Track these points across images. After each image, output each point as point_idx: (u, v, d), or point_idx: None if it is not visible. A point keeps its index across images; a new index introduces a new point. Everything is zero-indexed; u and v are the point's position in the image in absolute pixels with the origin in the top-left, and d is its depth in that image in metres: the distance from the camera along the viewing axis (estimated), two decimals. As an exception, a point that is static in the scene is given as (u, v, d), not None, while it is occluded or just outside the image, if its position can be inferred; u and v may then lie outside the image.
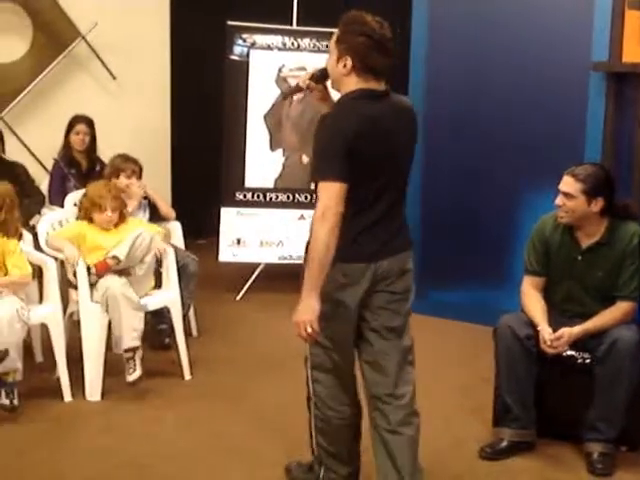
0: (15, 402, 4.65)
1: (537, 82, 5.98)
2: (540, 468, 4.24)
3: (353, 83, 3.37)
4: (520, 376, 4.30)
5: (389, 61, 3.36)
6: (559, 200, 4.30)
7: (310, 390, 3.66)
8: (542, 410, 4.38)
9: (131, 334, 4.96)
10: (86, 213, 5.34)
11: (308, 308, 3.26)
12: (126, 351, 4.95)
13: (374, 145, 3.29)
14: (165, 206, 6.27)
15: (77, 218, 5.45)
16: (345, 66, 3.35)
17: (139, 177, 6.05)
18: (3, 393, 4.63)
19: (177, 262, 5.46)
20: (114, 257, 5.08)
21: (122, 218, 5.39)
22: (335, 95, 3.56)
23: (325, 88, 3.70)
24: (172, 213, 6.26)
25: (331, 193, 3.20)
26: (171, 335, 5.43)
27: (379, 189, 3.35)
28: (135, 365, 4.94)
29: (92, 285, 5.07)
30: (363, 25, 3.34)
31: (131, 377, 4.93)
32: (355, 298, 3.40)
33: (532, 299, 4.41)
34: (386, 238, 3.40)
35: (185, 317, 5.68)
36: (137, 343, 4.99)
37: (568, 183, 4.28)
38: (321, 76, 3.66)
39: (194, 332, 6.07)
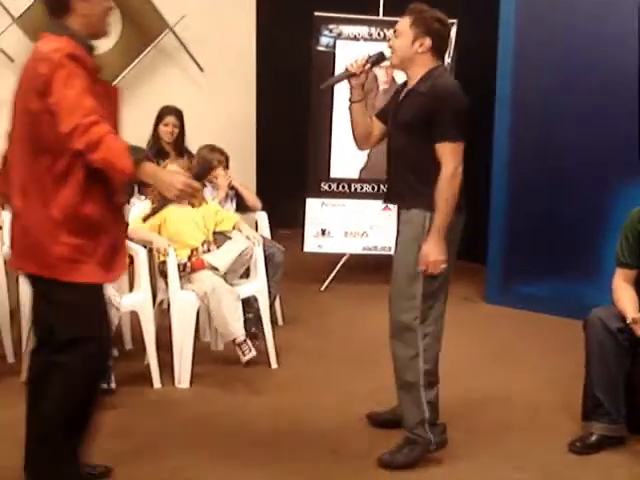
0: (112, 385, 4.73)
1: (627, 78, 5.89)
2: (630, 464, 4.17)
3: (429, 61, 3.88)
4: (611, 370, 4.23)
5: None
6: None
7: (420, 348, 3.94)
8: (632, 405, 4.31)
9: (238, 324, 5.03)
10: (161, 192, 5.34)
11: (441, 249, 3.80)
12: (238, 338, 5.01)
13: None
14: (251, 196, 6.31)
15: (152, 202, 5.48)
16: (422, 45, 3.83)
17: (226, 167, 6.11)
18: None
19: (264, 252, 5.50)
20: (214, 267, 5.15)
21: (198, 199, 5.43)
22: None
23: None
24: (258, 203, 6.31)
25: (459, 153, 3.78)
26: (257, 324, 5.47)
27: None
28: (249, 346, 5.00)
29: (181, 272, 5.15)
30: (435, 13, 3.88)
31: (247, 357, 4.99)
32: (456, 238, 3.96)
33: (624, 291, 4.34)
34: None
35: (271, 306, 5.73)
36: (244, 331, 5.06)
37: None
38: (377, 60, 4.04)
39: (280, 321, 6.11)
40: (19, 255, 3.42)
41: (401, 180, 3.96)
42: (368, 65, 4.03)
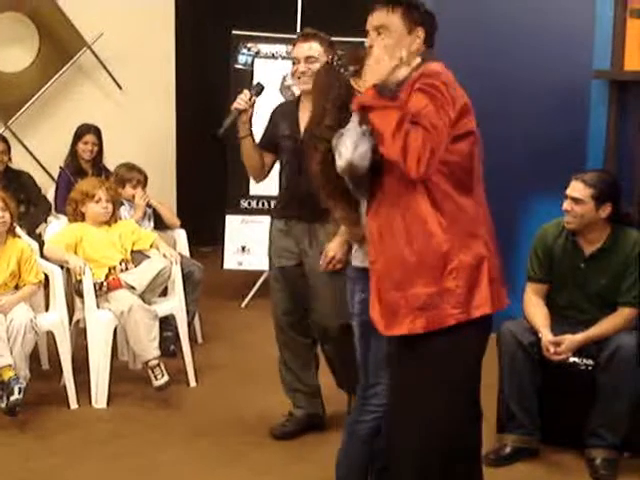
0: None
1: (539, 89, 5.98)
2: (544, 474, 4.26)
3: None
4: (523, 382, 4.32)
5: None
6: (567, 205, 4.32)
7: None
8: (546, 416, 4.39)
9: (153, 344, 4.99)
10: (76, 208, 5.34)
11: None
12: (151, 361, 4.96)
13: None
14: (169, 214, 6.30)
15: (69, 221, 5.45)
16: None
17: (144, 186, 6.08)
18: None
19: (182, 270, 5.49)
20: (131, 287, 5.12)
21: (115, 216, 5.43)
22: None
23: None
24: (176, 221, 6.31)
25: None
26: (176, 342, 5.45)
27: None
28: (162, 371, 4.94)
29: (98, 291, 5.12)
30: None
31: (159, 382, 4.92)
32: None
33: (535, 306, 4.43)
34: None
35: (190, 324, 5.73)
36: (159, 352, 5.01)
37: (578, 188, 4.30)
38: (258, 91, 4.19)
39: (199, 339, 6.10)
40: None
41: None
42: (254, 98, 4.15)
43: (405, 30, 3.04)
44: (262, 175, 4.42)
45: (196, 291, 5.84)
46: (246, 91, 4.16)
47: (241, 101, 4.13)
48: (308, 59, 4.17)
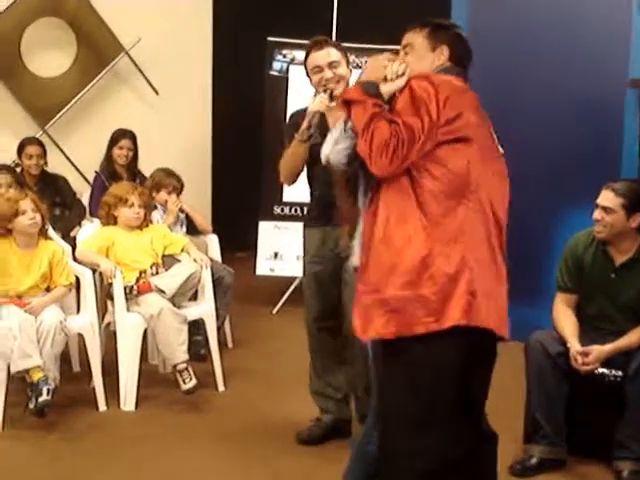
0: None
1: (574, 98, 5.95)
2: (570, 486, 4.24)
3: None
4: (551, 393, 4.28)
5: None
6: (597, 214, 4.29)
7: None
8: (573, 427, 4.35)
9: (182, 348, 5.00)
10: (109, 212, 5.39)
11: None
12: (179, 365, 4.97)
13: None
14: (201, 220, 6.32)
15: (102, 224, 5.51)
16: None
17: (179, 194, 6.11)
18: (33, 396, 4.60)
19: (213, 274, 5.51)
20: (161, 290, 5.14)
21: (147, 220, 5.47)
22: None
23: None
24: (209, 227, 6.33)
25: None
26: (206, 346, 5.46)
27: None
28: (190, 374, 4.96)
29: (128, 295, 5.15)
30: None
31: (187, 386, 4.94)
32: None
33: (564, 316, 4.40)
34: None
35: (220, 329, 5.75)
36: (187, 355, 5.03)
37: (608, 198, 4.27)
38: (331, 94, 4.02)
39: (229, 344, 6.11)
40: None
41: None
42: (332, 102, 4.00)
43: (429, 48, 3.17)
44: (295, 180, 4.40)
45: (226, 296, 5.86)
46: (324, 94, 4.05)
47: (321, 103, 4.03)
48: (331, 65, 4.13)
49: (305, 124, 4.06)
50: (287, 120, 4.34)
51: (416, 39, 3.19)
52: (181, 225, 6.11)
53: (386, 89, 3.06)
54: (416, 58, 3.15)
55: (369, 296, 2.96)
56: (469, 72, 3.22)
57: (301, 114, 4.37)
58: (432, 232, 2.89)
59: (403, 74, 3.07)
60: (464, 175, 2.93)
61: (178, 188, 6.12)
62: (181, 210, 6.11)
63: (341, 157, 3.03)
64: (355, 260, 3.23)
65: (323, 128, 3.90)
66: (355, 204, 3.18)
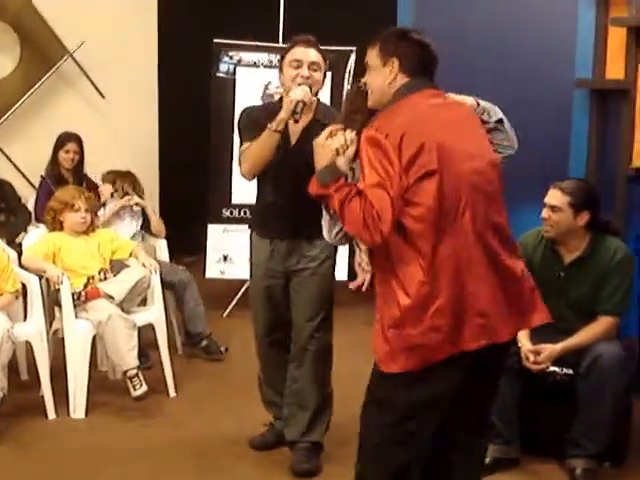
0: None
1: (521, 99, 5.97)
2: (524, 484, 4.25)
3: None
4: (503, 392, 4.26)
5: None
6: (545, 213, 4.32)
7: None
8: (526, 426, 4.37)
9: (131, 354, 4.95)
10: (55, 217, 5.32)
11: None
12: (129, 371, 4.92)
13: None
14: (157, 223, 6.28)
15: (48, 230, 5.43)
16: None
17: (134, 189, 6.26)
18: None
19: (162, 278, 5.47)
20: (109, 296, 5.08)
21: (93, 225, 5.42)
22: None
23: None
24: (163, 231, 6.28)
25: None
26: (154, 352, 5.43)
27: None
28: (140, 380, 4.91)
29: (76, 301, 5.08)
30: None
31: (137, 392, 4.89)
32: None
33: (515, 316, 4.41)
34: None
35: (209, 336, 5.99)
36: (137, 361, 4.98)
37: (555, 196, 4.29)
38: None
39: (179, 349, 6.07)
40: None
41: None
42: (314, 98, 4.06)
43: (380, 63, 3.12)
44: (258, 173, 4.18)
45: (195, 292, 5.98)
46: (306, 87, 3.95)
47: (306, 94, 3.93)
48: (312, 65, 4.03)
49: (285, 113, 3.94)
50: (241, 116, 4.25)
51: (370, 57, 3.15)
52: (137, 220, 6.12)
53: (344, 160, 3.06)
54: (372, 77, 3.14)
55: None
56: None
57: (261, 108, 4.37)
58: (428, 270, 2.90)
59: (352, 141, 3.08)
60: (439, 208, 2.91)
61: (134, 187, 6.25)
62: (136, 204, 6.11)
63: (342, 241, 3.17)
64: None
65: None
66: None
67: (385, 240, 2.88)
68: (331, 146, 3.08)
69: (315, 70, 4.06)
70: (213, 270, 7.15)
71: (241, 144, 4.17)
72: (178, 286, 5.84)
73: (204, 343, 5.96)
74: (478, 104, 3.32)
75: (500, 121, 3.33)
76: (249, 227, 4.40)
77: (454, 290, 2.91)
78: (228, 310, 7.08)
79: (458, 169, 2.95)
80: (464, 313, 2.93)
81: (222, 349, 5.96)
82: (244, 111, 4.30)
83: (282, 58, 4.14)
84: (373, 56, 3.14)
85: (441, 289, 2.90)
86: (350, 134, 3.08)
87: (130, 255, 5.45)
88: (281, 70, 4.15)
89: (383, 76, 3.10)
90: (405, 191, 2.87)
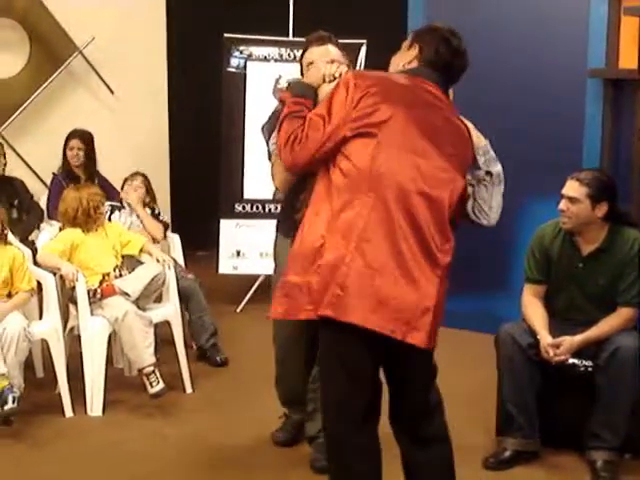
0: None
1: (534, 89, 5.97)
2: (544, 477, 4.23)
3: None
4: (522, 385, 4.28)
5: None
6: (563, 205, 4.28)
7: None
8: (545, 419, 4.36)
9: (148, 351, 4.94)
10: (69, 217, 5.26)
11: None
12: (146, 368, 4.90)
13: None
14: (152, 228, 6.16)
15: (60, 228, 5.39)
16: None
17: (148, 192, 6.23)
18: None
19: (177, 280, 5.45)
20: (125, 293, 5.06)
21: (100, 220, 5.37)
22: None
23: None
24: (158, 235, 6.14)
25: None
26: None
27: None
28: (157, 378, 4.90)
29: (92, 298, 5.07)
30: None
31: (155, 389, 4.88)
32: None
33: (533, 307, 4.40)
34: None
35: (212, 337, 5.86)
36: (154, 358, 4.96)
37: (573, 187, 4.26)
38: None
39: (194, 346, 6.05)
40: None
41: None
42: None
43: (407, 45, 3.29)
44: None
45: (200, 302, 5.82)
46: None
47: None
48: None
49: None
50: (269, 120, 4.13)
51: (406, 39, 3.32)
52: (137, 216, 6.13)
53: (327, 89, 3.27)
54: (396, 56, 3.32)
55: (280, 278, 3.15)
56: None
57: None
58: (330, 225, 2.99)
59: (340, 75, 3.32)
60: (366, 170, 2.98)
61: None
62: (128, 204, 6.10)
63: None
64: None
65: None
66: None
67: (297, 169, 3.18)
68: (322, 71, 3.40)
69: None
70: (226, 266, 7.13)
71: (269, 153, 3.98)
72: (182, 294, 5.66)
73: (207, 354, 5.82)
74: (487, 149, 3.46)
75: (489, 174, 3.46)
76: (276, 230, 4.29)
77: (335, 253, 2.95)
78: (242, 305, 7.07)
79: (402, 157, 3.01)
80: (333, 281, 2.94)
81: (219, 360, 5.79)
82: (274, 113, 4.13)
83: (301, 60, 4.08)
84: (407, 39, 3.31)
85: (330, 249, 2.96)
86: (344, 69, 3.38)
87: (141, 251, 5.42)
88: (301, 72, 4.08)
89: (404, 57, 3.28)
90: (340, 141, 3.01)
